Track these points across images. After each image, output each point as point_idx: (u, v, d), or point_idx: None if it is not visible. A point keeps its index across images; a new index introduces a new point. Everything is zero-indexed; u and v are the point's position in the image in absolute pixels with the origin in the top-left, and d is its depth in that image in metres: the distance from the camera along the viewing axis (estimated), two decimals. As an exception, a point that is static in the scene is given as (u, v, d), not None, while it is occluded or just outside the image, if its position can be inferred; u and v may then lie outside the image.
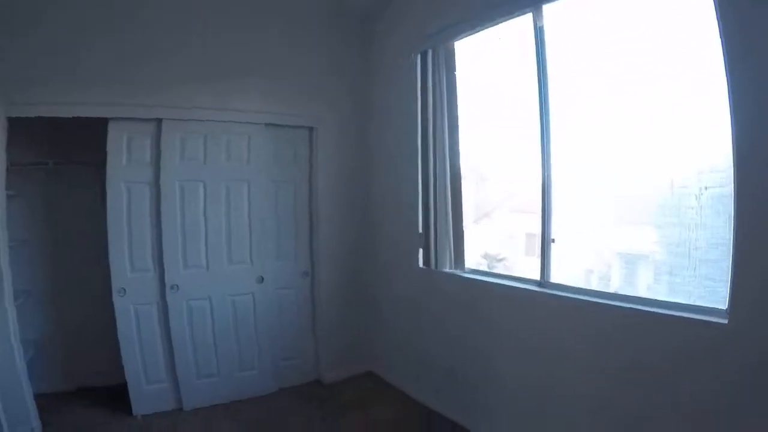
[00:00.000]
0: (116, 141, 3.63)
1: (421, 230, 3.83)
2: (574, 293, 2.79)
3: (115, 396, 3.91)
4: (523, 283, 3.17)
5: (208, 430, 3.57)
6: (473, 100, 3.70)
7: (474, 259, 3.86)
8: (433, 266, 3.72)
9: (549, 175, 2.97)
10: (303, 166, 4.30)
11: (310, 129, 4.28)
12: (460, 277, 3.59)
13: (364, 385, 4.33)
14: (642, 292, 2.73)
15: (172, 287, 3.72)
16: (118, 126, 3.63)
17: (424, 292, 3.92)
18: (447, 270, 3.69)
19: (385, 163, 4.34)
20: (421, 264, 3.83)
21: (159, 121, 3.71)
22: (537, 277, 3.07)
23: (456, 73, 3.63)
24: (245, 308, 3.99)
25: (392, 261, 4.29)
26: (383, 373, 4.42)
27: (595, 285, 3.10)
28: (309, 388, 4.24)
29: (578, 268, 3.22)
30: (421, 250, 3.84)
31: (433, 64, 3.68)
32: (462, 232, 3.66)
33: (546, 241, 3.01)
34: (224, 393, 3.93)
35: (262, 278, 4.02)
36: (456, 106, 3.61)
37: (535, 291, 3.01)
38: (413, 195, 3.90)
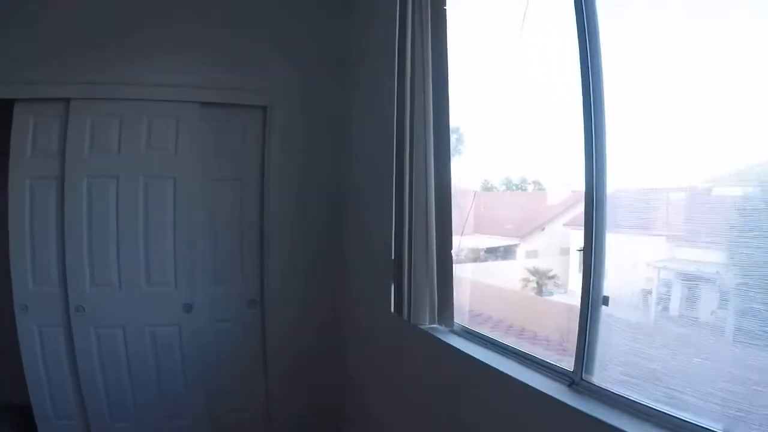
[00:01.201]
0: (21, 128, 2.95)
1: (393, 257, 2.53)
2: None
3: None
4: (546, 373, 1.80)
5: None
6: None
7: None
8: (405, 316, 2.41)
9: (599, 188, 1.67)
10: (253, 159, 3.21)
11: (263, 109, 3.17)
12: (441, 343, 2.27)
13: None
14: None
15: (77, 309, 2.98)
16: (25, 109, 2.93)
17: (395, 353, 2.67)
18: (425, 326, 2.38)
19: (363, 153, 3.07)
20: (392, 309, 2.54)
21: (67, 101, 2.92)
22: (568, 366, 1.74)
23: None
24: (168, 343, 3.11)
25: (363, 298, 3.07)
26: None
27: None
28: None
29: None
30: (393, 288, 2.54)
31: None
32: (450, 265, 2.30)
33: (592, 302, 1.66)
34: (148, 443, 3.14)
35: (190, 306, 3.08)
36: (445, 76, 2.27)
37: (564, 401, 1.57)
38: (387, 202, 2.60)
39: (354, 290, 3.20)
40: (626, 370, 1.54)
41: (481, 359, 1.98)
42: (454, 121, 2.38)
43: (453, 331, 2.32)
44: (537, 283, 7.99)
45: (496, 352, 2.05)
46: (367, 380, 3.08)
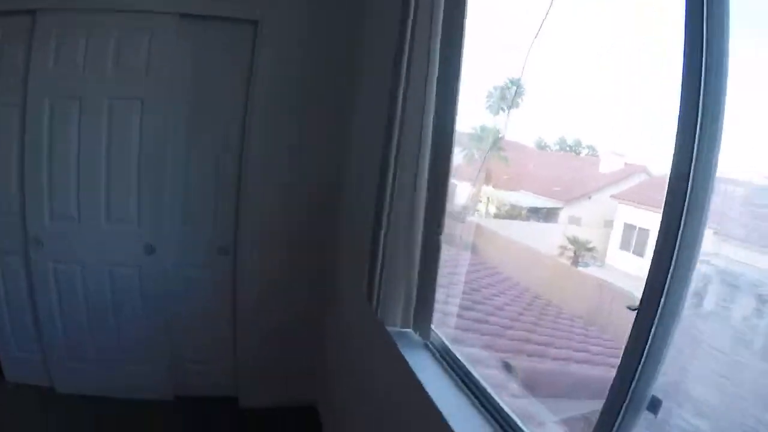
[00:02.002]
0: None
1: (372, 227, 2.04)
2: None
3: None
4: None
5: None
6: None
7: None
8: (373, 309, 1.96)
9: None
10: (238, 85, 2.74)
11: (254, 24, 2.66)
12: (400, 357, 1.80)
13: (295, 422, 2.95)
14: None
15: (36, 241, 2.71)
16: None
17: (366, 345, 2.25)
18: (394, 328, 1.93)
19: (371, 89, 2.55)
20: (365, 296, 2.07)
21: (33, 14, 2.54)
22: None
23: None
24: (128, 285, 2.81)
25: (344, 267, 2.64)
26: (327, 414, 2.94)
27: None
28: (217, 407, 3.01)
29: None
30: (367, 268, 2.06)
31: None
32: (437, 258, 1.79)
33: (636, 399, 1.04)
34: (105, 384, 2.93)
35: (152, 248, 2.75)
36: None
37: None
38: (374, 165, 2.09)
39: (343, 251, 2.77)
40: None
41: (434, 400, 1.48)
42: (514, 72, 1.86)
43: (426, 346, 1.83)
44: (574, 252, 7.25)
45: (467, 396, 1.55)
46: (340, 359, 2.70)
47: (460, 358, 1.69)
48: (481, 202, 8.36)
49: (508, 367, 2.82)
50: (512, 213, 8.49)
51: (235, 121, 2.75)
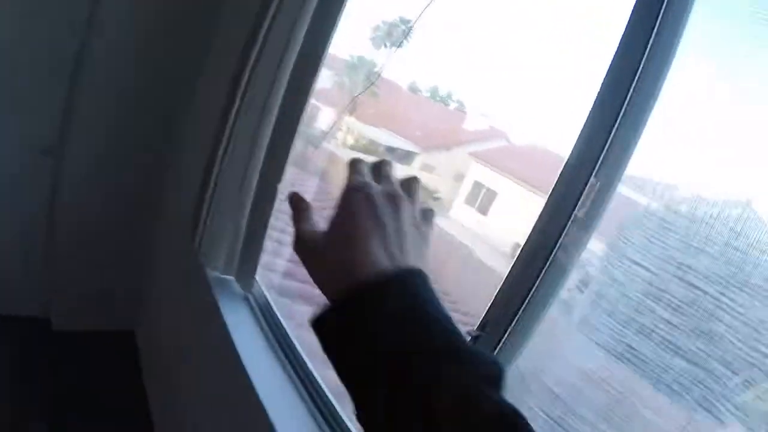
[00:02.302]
0: None
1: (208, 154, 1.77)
2: None
3: None
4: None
5: None
6: None
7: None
8: (196, 249, 1.73)
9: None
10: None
11: None
12: (214, 308, 1.63)
13: (112, 348, 2.70)
14: None
15: None
16: None
17: (185, 285, 2.05)
18: (215, 273, 1.73)
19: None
20: (190, 232, 1.82)
21: None
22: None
23: None
24: None
25: (177, 193, 2.37)
26: (145, 343, 2.72)
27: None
28: (27, 327, 2.61)
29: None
30: (194, 201, 1.81)
31: None
32: (269, 207, 1.61)
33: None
34: None
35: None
36: None
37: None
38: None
39: (181, 173, 2.45)
40: None
41: (243, 360, 1.40)
42: (405, 12, 1.96)
43: (247, 299, 1.71)
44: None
45: (278, 359, 1.48)
46: (163, 289, 2.48)
47: (281, 318, 1.61)
48: (341, 131, 8.26)
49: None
50: (369, 148, 8.56)
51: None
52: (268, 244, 1.67)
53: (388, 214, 0.40)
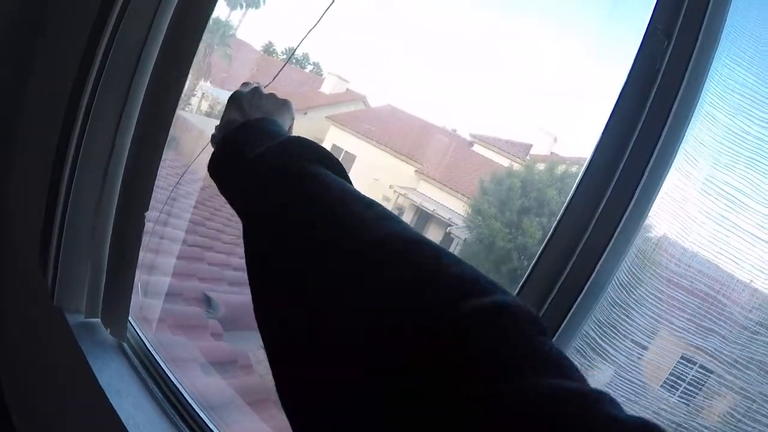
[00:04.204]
0: None
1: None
2: None
3: None
4: None
5: None
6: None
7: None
8: (49, 287, 1.29)
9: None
10: None
11: None
12: (83, 364, 1.23)
13: None
14: None
15: None
16: None
17: (40, 338, 1.57)
18: (77, 319, 1.32)
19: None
20: (39, 267, 1.35)
21: None
22: None
23: None
24: None
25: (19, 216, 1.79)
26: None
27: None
28: None
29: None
30: (41, 228, 1.35)
31: None
32: (138, 237, 1.22)
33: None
34: None
35: None
36: None
37: None
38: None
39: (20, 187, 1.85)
40: None
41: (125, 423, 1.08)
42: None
43: (121, 348, 1.32)
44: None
45: (167, 418, 1.18)
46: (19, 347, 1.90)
47: (166, 368, 1.28)
48: (195, 96, 7.56)
49: (208, 302, 2.61)
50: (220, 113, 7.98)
51: None
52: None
53: (246, 96, 0.61)
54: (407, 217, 10.34)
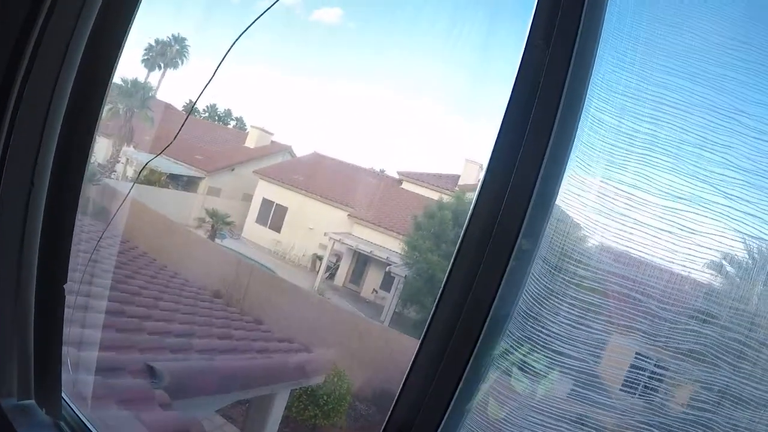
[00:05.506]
0: None
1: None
2: None
3: None
4: None
5: None
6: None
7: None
8: None
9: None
10: None
11: None
12: None
13: None
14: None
15: None
16: None
17: None
18: (10, 400, 1.22)
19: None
20: None
21: None
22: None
23: None
24: None
25: None
26: None
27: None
28: None
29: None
30: None
31: None
32: (60, 306, 1.17)
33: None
34: None
35: None
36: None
37: None
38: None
39: None
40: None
41: None
42: (176, 28, 1.35)
43: (58, 426, 1.26)
44: (212, 225, 7.21)
45: None
46: None
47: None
48: (120, 162, 7.33)
49: (152, 372, 2.51)
50: (150, 178, 7.80)
51: None
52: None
53: None
54: (345, 262, 10.33)
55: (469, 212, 0.69)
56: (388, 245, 8.51)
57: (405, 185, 10.15)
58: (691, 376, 0.68)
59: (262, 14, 1.17)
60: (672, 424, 0.67)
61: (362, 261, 9.13)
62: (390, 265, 8.29)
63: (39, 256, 1.12)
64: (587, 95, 0.67)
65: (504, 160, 0.66)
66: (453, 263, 0.69)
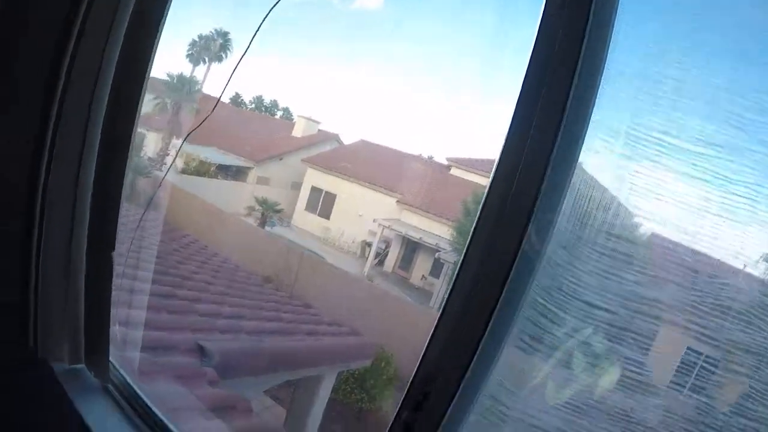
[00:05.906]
0: None
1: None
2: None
3: None
4: None
5: None
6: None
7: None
8: (31, 342, 1.26)
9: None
10: None
11: None
12: (69, 408, 1.19)
13: None
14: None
15: None
16: None
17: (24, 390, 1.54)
18: (61, 366, 1.29)
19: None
20: (17, 324, 1.32)
21: None
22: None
23: None
24: None
25: None
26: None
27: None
28: None
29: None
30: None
31: None
32: (108, 277, 1.23)
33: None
34: None
35: None
36: None
37: None
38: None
39: None
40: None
41: None
42: (221, 24, 1.38)
43: (107, 390, 1.33)
44: (262, 213, 7.32)
45: None
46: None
47: (153, 407, 1.28)
48: (169, 155, 7.60)
49: (202, 351, 2.57)
50: (200, 170, 8.06)
51: None
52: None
53: None
54: (395, 249, 10.36)
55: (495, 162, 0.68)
56: (438, 231, 8.46)
57: (454, 171, 10.02)
58: (729, 336, 0.63)
59: (274, 5, 1.19)
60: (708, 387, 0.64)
61: (411, 247, 9.11)
62: (439, 251, 8.23)
63: (89, 227, 1.16)
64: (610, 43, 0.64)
65: (525, 114, 0.65)
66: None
